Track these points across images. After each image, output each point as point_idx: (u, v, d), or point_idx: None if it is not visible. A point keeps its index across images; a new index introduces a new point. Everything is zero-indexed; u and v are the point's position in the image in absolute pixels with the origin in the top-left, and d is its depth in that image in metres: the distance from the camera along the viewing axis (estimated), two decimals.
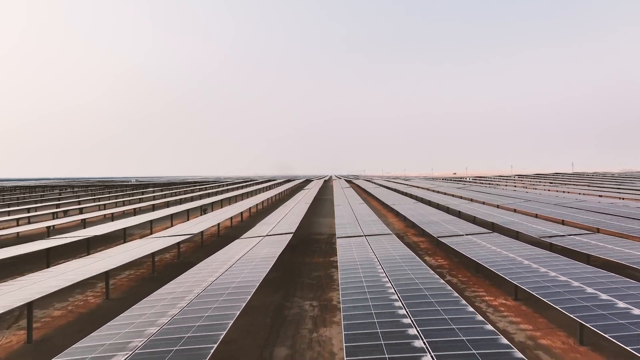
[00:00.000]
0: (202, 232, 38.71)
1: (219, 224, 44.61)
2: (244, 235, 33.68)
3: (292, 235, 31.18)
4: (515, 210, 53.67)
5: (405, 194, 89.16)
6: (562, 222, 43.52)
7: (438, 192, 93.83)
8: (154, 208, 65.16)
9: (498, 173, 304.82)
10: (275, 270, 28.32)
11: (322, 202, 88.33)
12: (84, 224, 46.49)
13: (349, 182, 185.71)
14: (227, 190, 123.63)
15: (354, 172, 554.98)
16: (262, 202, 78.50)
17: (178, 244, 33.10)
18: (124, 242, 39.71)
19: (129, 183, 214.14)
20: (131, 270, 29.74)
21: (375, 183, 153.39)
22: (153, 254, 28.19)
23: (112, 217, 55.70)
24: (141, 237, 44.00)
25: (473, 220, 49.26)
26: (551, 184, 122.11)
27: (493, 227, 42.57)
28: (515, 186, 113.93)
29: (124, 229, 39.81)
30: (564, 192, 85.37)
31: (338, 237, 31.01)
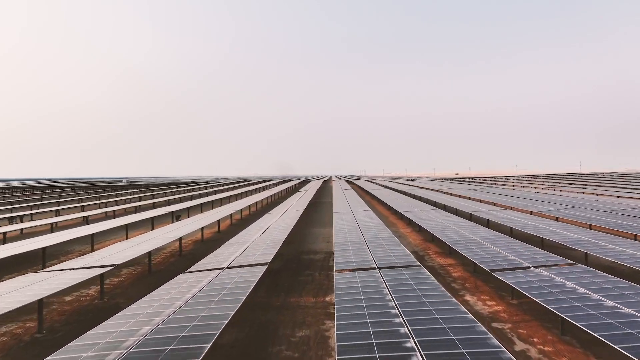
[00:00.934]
0: (149, 252, 28.09)
1: (180, 238, 33.95)
2: (195, 266, 22.81)
3: (266, 267, 20.43)
4: (557, 219, 42.89)
5: (415, 197, 78.32)
6: (635, 238, 32.94)
7: (451, 194, 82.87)
8: (115, 215, 54.39)
9: (499, 173, 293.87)
10: (236, 327, 17.66)
11: (320, 205, 77.52)
12: (4, 238, 35.76)
13: (349, 182, 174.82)
14: (215, 192, 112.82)
15: (354, 173, 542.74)
16: (250, 206, 67.71)
17: (101, 275, 22.44)
18: (43, 266, 29.10)
19: (118, 184, 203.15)
20: (15, 322, 19.10)
21: (378, 184, 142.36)
22: (40, 301, 17.53)
23: (51, 228, 44.93)
24: (80, 254, 33.42)
25: (510, 232, 38.66)
26: (570, 185, 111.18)
27: (542, 244, 31.99)
28: (534, 188, 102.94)
29: (43, 249, 29.00)
30: (596, 194, 74.52)
31: (337, 270, 20.27)
